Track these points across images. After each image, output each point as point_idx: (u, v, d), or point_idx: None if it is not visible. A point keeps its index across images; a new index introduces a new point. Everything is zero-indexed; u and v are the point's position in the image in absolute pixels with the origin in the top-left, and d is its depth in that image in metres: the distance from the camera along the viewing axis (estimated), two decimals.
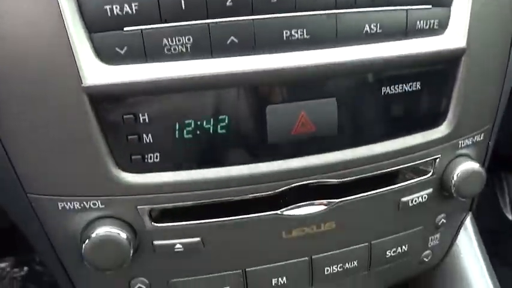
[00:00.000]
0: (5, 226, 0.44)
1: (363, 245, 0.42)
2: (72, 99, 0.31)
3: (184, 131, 0.34)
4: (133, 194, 0.35)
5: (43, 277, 1.13)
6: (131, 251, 0.35)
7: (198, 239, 0.37)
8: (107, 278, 0.38)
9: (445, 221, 0.46)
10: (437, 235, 0.47)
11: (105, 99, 0.32)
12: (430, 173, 0.42)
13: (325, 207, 0.38)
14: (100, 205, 0.35)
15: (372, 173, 0.39)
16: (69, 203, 0.35)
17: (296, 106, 0.35)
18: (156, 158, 0.34)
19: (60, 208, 0.35)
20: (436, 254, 0.48)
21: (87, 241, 0.34)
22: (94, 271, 0.36)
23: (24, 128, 0.33)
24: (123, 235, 0.34)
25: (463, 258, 0.49)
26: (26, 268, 1.11)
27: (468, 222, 0.50)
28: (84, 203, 0.35)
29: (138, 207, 0.35)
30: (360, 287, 0.46)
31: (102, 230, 0.34)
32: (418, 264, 0.47)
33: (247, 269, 0.39)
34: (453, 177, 0.42)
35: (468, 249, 0.49)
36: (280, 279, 0.40)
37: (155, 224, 0.36)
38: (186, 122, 0.34)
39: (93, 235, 0.34)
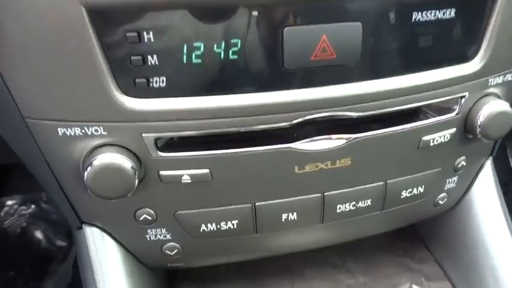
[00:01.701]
0: (11, 162, 0.42)
1: (378, 183, 0.40)
2: (69, 13, 0.28)
3: (193, 55, 0.31)
4: (137, 121, 0.32)
5: (50, 215, 1.14)
6: (136, 181, 0.33)
7: (206, 170, 0.35)
8: (112, 208, 0.37)
9: (464, 163, 0.43)
10: (455, 178, 0.44)
11: (105, 13, 0.29)
12: (455, 112, 0.39)
13: (342, 142, 0.36)
14: (102, 131, 0.33)
15: (395, 108, 0.36)
16: (69, 129, 0.33)
17: (317, 29, 0.32)
18: (162, 82, 0.32)
19: (60, 134, 0.33)
20: (452, 198, 0.46)
21: (89, 168, 0.32)
22: (98, 202, 0.35)
23: (20, 47, 0.30)
24: (128, 163, 0.32)
25: (479, 203, 0.48)
26: (33, 206, 1.13)
27: (488, 166, 0.48)
28: (86, 128, 0.33)
29: (143, 135, 0.33)
30: (370, 227, 0.45)
31: (106, 157, 0.32)
32: (432, 207, 0.46)
33: (257, 203, 0.38)
34: (479, 117, 0.39)
35: (485, 194, 0.48)
36: (290, 214, 0.39)
37: (161, 154, 0.34)
38: (195, 44, 0.31)
39: (96, 162, 0.32)
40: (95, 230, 0.38)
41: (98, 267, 0.38)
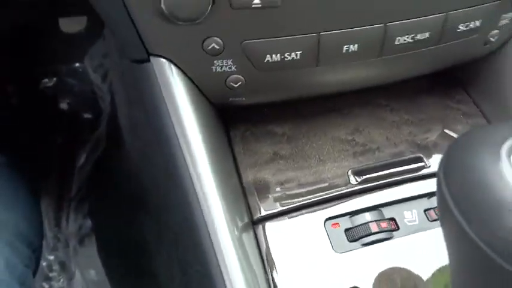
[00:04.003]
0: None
1: (438, 15, 0.40)
2: None
3: None
4: None
5: (74, 88, 1.16)
6: (210, 2, 0.33)
7: None
8: (181, 37, 0.37)
9: None
10: (510, 14, 0.44)
11: None
12: None
13: None
14: None
15: None
16: None
17: None
18: None
19: None
20: (502, 36, 0.47)
21: None
22: (168, 29, 0.36)
23: None
24: None
25: None
26: (55, 79, 1.14)
27: None
28: None
29: None
30: (422, 65, 0.47)
31: None
32: (482, 44, 0.46)
33: (321, 33, 0.38)
34: None
35: None
36: (352, 46, 0.39)
37: None
38: None
39: None
40: (163, 60, 0.39)
41: (169, 98, 0.40)
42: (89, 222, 0.97)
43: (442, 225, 0.26)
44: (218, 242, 0.37)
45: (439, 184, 0.25)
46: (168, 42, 0.38)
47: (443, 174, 0.25)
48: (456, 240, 0.25)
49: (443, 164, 0.25)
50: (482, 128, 0.25)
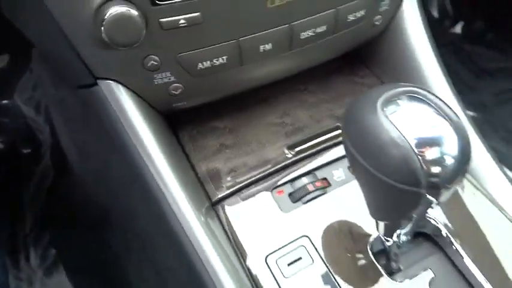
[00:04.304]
0: None
1: (331, 10, 0.50)
2: None
3: None
4: None
5: (7, 125, 1.15)
6: (144, 28, 0.40)
7: (198, 13, 0.42)
8: (123, 59, 0.44)
9: None
10: (387, 1, 0.56)
11: None
12: None
13: None
14: None
15: None
16: None
17: None
18: None
19: None
20: (385, 18, 0.58)
21: (105, 21, 0.38)
22: (111, 54, 0.42)
23: None
24: (135, 12, 0.39)
25: (406, 24, 0.60)
26: None
27: None
28: None
29: None
30: (326, 52, 0.57)
31: (116, 10, 0.38)
32: (371, 27, 0.57)
33: (240, 39, 0.46)
34: None
35: (411, 17, 0.60)
36: (266, 45, 0.48)
37: (161, 3, 0.40)
38: None
39: (108, 15, 0.38)
40: (110, 82, 0.45)
41: (121, 114, 0.46)
42: (52, 252, 0.98)
43: (351, 165, 0.35)
44: (188, 225, 0.44)
45: (343, 137, 0.35)
46: (112, 66, 0.44)
47: (344, 129, 0.34)
48: (360, 173, 0.34)
49: (343, 122, 0.35)
50: (366, 92, 0.34)
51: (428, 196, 0.32)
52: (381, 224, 0.41)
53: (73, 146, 0.93)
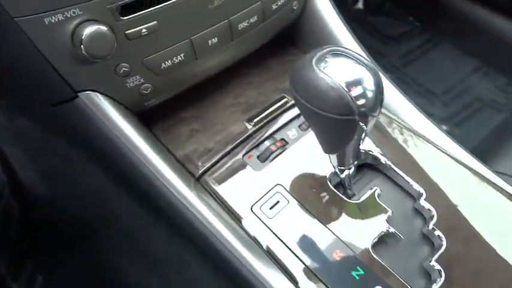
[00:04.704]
0: None
1: (258, 3, 0.61)
2: None
3: None
4: None
5: None
6: (114, 39, 0.48)
7: (155, 22, 0.51)
8: (98, 70, 0.51)
9: None
10: None
11: None
12: None
13: None
14: (78, 12, 0.46)
15: None
16: (52, 17, 0.45)
17: None
18: None
19: (47, 23, 0.45)
20: (300, 3, 0.71)
21: (83, 39, 0.46)
22: (87, 68, 0.50)
23: None
24: (106, 28, 0.47)
25: (318, 6, 0.74)
26: None
27: None
28: (65, 13, 0.45)
29: (108, 6, 0.47)
30: (262, 37, 0.68)
31: (90, 29, 0.46)
32: (291, 12, 0.70)
33: (192, 37, 0.56)
34: None
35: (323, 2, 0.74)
36: (213, 39, 0.58)
37: (124, 18, 0.49)
38: None
39: (84, 35, 0.46)
40: (89, 92, 0.53)
41: (105, 119, 0.54)
42: (39, 279, 1.00)
43: (303, 113, 0.47)
44: (183, 196, 0.53)
45: (292, 94, 0.46)
46: (89, 77, 0.52)
47: (293, 87, 0.46)
48: (311, 117, 0.46)
49: (290, 82, 0.46)
50: (303, 57, 0.45)
51: (360, 123, 0.45)
52: (333, 158, 0.53)
53: (36, 173, 0.96)
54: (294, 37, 0.77)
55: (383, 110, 0.68)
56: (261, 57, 0.73)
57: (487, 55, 1.74)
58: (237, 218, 0.55)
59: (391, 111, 0.70)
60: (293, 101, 0.64)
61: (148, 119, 0.63)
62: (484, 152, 1.01)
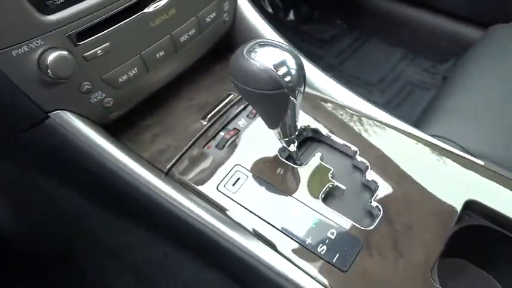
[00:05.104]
0: None
1: (194, 17, 0.72)
2: None
3: None
4: (60, 27, 0.55)
5: None
6: (75, 61, 0.57)
7: (108, 43, 0.60)
8: (64, 90, 0.59)
9: None
10: (227, 2, 0.80)
11: None
12: None
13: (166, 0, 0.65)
14: (41, 42, 0.54)
15: None
16: (19, 49, 0.53)
17: None
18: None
19: (14, 55, 0.53)
20: (230, 15, 0.82)
21: (48, 65, 0.54)
22: (54, 90, 0.58)
23: None
24: (65, 52, 0.56)
25: (246, 16, 0.85)
26: None
27: None
28: (30, 44, 0.53)
29: (66, 35, 0.56)
30: (201, 48, 0.78)
31: (54, 55, 0.55)
32: (224, 23, 0.81)
33: (141, 53, 0.65)
34: None
35: (247, 10, 0.85)
36: (160, 53, 0.68)
37: (80, 43, 0.58)
38: None
39: (49, 61, 0.54)
40: (58, 111, 0.60)
41: (77, 133, 0.61)
42: None
43: (243, 95, 0.57)
44: (158, 188, 0.61)
45: (233, 81, 0.56)
46: (57, 97, 0.60)
47: (232, 75, 0.56)
48: (251, 97, 0.56)
49: (230, 71, 0.56)
50: (236, 50, 0.56)
51: (290, 97, 0.55)
52: (277, 132, 0.63)
53: (8, 209, 1.00)
54: (232, 44, 0.88)
55: (316, 91, 0.80)
56: (207, 64, 0.83)
57: (410, 44, 1.95)
58: (206, 199, 0.63)
59: (312, 85, 0.82)
60: (239, 97, 0.74)
61: (113, 131, 0.71)
62: (419, 123, 1.15)
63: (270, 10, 2.04)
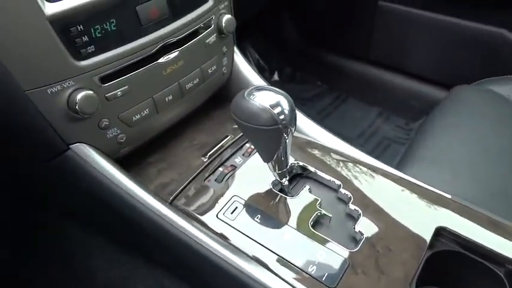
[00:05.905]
0: None
1: (198, 69, 0.83)
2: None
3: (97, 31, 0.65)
4: (88, 71, 0.65)
5: None
6: (98, 100, 0.66)
7: (126, 86, 0.70)
8: (86, 125, 0.67)
9: (226, 49, 0.91)
10: (226, 58, 0.92)
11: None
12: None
13: (177, 53, 0.77)
14: (72, 83, 0.64)
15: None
16: (53, 88, 0.62)
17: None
18: (93, 48, 0.65)
19: (49, 93, 0.62)
20: (228, 68, 0.94)
21: (77, 102, 0.63)
22: (78, 124, 0.66)
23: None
24: (91, 92, 0.65)
25: (240, 69, 0.98)
26: None
27: (236, 51, 0.97)
28: (63, 84, 0.63)
29: (93, 78, 0.66)
30: (203, 95, 0.89)
31: (82, 94, 0.64)
32: (222, 75, 0.92)
33: (153, 96, 0.75)
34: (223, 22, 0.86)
35: (241, 64, 0.98)
36: (169, 97, 0.78)
37: (104, 85, 0.67)
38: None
39: (78, 99, 0.63)
40: (79, 144, 0.68)
41: (95, 165, 0.69)
42: None
43: (243, 131, 0.66)
44: (163, 214, 0.68)
45: (235, 119, 0.66)
46: (79, 132, 0.68)
47: (233, 112, 0.65)
48: (250, 133, 0.66)
49: (232, 109, 0.66)
50: (238, 94, 0.66)
51: (283, 133, 0.65)
52: (271, 165, 0.72)
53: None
54: (229, 94, 1.00)
55: (304, 135, 0.90)
56: (207, 110, 0.93)
57: (385, 103, 2.13)
58: (207, 226, 0.70)
59: (302, 130, 0.92)
60: (236, 138, 0.84)
61: (122, 165, 0.78)
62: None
63: (257, 71, 2.22)
